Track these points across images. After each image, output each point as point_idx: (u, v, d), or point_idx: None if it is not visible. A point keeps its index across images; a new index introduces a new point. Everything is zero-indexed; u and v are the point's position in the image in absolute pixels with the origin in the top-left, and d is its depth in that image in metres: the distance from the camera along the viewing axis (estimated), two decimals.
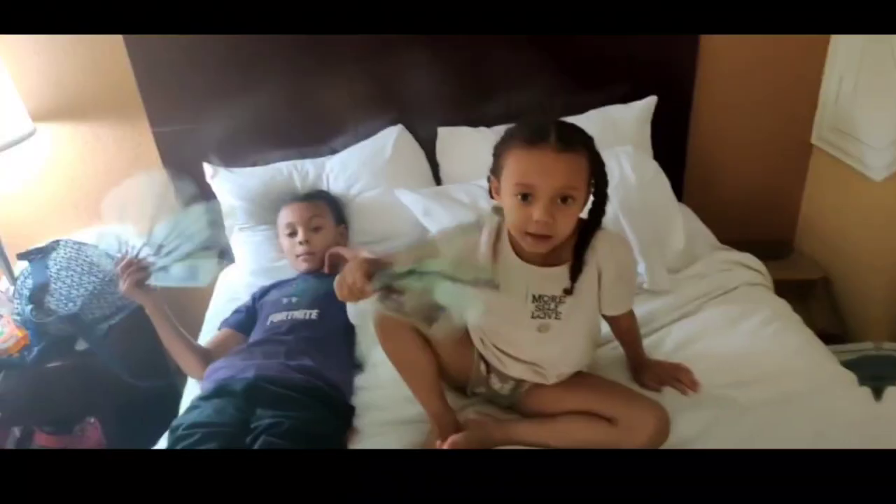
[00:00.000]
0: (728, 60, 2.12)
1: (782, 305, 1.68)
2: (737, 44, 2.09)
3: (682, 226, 1.87)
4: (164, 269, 1.57)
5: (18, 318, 1.88)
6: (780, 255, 2.24)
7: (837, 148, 2.08)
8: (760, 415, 1.34)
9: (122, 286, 1.56)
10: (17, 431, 1.98)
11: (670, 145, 2.14)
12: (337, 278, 1.19)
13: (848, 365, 1.49)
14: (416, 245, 1.24)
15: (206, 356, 1.63)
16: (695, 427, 1.33)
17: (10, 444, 1.95)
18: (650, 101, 2.08)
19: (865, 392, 1.40)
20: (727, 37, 2.07)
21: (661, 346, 1.58)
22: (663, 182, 1.92)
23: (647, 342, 1.55)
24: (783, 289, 1.79)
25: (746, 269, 1.80)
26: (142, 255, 1.57)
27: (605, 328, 1.49)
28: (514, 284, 1.31)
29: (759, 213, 2.32)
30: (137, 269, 1.55)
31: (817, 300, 2.15)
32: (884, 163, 1.86)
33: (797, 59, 2.11)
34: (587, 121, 1.29)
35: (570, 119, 1.26)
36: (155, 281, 1.57)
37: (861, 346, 1.98)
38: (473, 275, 1.13)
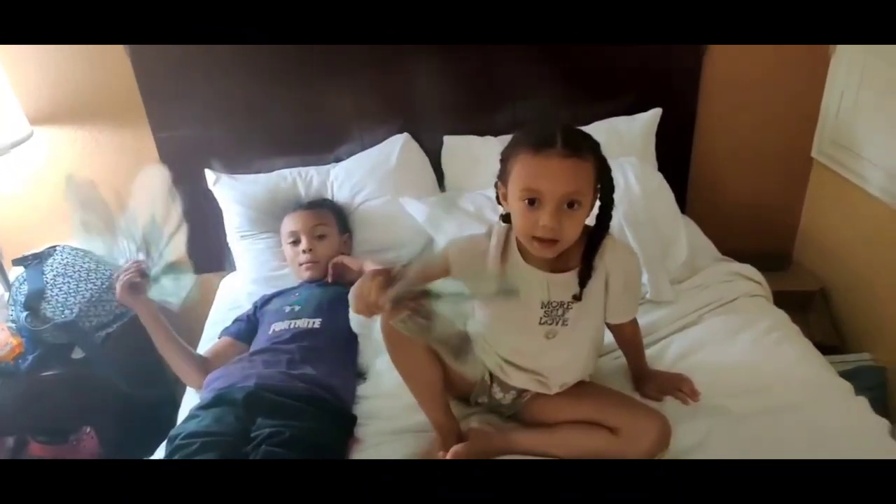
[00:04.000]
0: (731, 74, 2.13)
1: (781, 316, 1.69)
2: (740, 57, 2.10)
3: (686, 237, 1.88)
4: (155, 278, 1.51)
5: (13, 325, 1.86)
6: (779, 266, 2.25)
7: (837, 162, 2.09)
8: (759, 424, 1.35)
9: (118, 290, 1.50)
10: (10, 441, 1.95)
11: (674, 157, 2.15)
12: (352, 290, 1.16)
13: (845, 375, 1.50)
14: (425, 256, 1.22)
15: (205, 365, 1.61)
16: (694, 437, 1.33)
17: (2, 454, 1.92)
18: (655, 114, 2.08)
19: (862, 402, 1.41)
20: (731, 50, 2.08)
21: (663, 356, 1.58)
22: (667, 194, 1.93)
23: (649, 352, 1.55)
24: (782, 300, 1.80)
25: (746, 280, 1.80)
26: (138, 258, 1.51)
27: (608, 338, 1.49)
28: (524, 290, 1.30)
29: (759, 226, 2.33)
30: (135, 273, 1.50)
31: (815, 312, 2.15)
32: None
33: (800, 74, 2.13)
34: (593, 132, 1.31)
35: None
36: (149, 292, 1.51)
37: (858, 356, 1.99)
38: (495, 287, 1.12)
